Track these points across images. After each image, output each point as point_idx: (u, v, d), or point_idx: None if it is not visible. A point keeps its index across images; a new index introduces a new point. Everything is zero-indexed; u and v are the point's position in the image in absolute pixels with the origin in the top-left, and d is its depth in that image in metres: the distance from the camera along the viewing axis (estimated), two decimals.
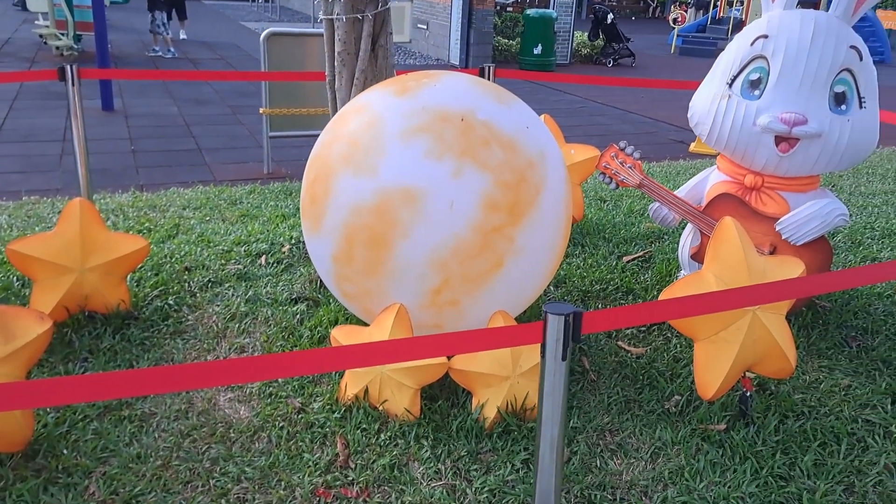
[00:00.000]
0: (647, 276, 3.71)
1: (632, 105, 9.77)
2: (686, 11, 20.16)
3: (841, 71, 3.05)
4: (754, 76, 3.14)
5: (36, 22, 11.75)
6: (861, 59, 3.07)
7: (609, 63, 13.67)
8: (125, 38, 14.05)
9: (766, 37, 3.14)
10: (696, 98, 3.38)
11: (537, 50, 12.25)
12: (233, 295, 3.30)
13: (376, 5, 3.21)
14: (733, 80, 3.20)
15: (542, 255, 2.67)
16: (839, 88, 3.06)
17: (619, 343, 3.06)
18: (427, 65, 12.88)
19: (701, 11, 19.95)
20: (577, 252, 3.97)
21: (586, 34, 14.18)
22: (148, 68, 11.02)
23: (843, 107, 3.06)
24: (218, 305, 3.22)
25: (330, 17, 3.22)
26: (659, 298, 2.64)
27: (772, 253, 3.18)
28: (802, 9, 3.18)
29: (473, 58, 12.17)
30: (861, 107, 3.08)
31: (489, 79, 4.45)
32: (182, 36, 14.40)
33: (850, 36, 3.09)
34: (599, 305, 3.39)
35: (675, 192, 3.51)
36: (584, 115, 9.17)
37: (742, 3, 17.48)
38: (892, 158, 6.96)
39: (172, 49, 12.27)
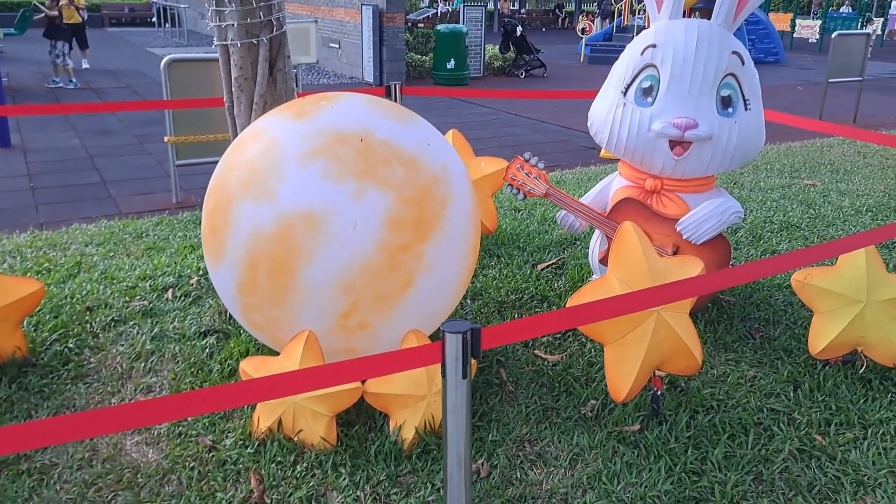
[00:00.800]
0: (560, 282, 3.78)
1: (543, 114, 9.97)
2: (593, 21, 20.77)
3: (726, 75, 3.18)
4: (646, 84, 3.24)
5: None
6: (743, 63, 3.22)
7: (521, 74, 13.91)
8: (23, 70, 13.49)
9: (654, 46, 3.25)
10: (594, 107, 3.47)
11: (450, 64, 12.38)
12: (138, 333, 3.19)
13: (272, 29, 3.17)
14: (627, 89, 3.30)
15: (452, 270, 2.68)
16: (725, 92, 3.19)
17: (536, 352, 3.09)
18: (341, 83, 12.83)
19: (607, 21, 20.57)
20: (492, 263, 4.00)
21: (497, 47, 14.41)
22: (49, 100, 10.60)
23: (730, 110, 3.20)
24: (122, 345, 3.09)
25: (224, 42, 3.16)
26: (566, 305, 2.68)
27: (675, 253, 3.28)
28: (686, 18, 3.31)
29: (387, 74, 12.19)
30: (746, 109, 3.22)
31: (395, 97, 4.46)
32: (85, 65, 13.92)
33: (731, 42, 3.23)
34: (516, 315, 3.42)
35: (580, 200, 3.60)
36: (497, 126, 9.30)
37: (644, 12, 18.09)
38: (789, 154, 7.31)
39: (74, 79, 11.85)
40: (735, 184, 6.02)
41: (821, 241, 4.54)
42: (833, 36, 9.67)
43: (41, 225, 4.97)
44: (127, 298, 3.52)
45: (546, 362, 3.03)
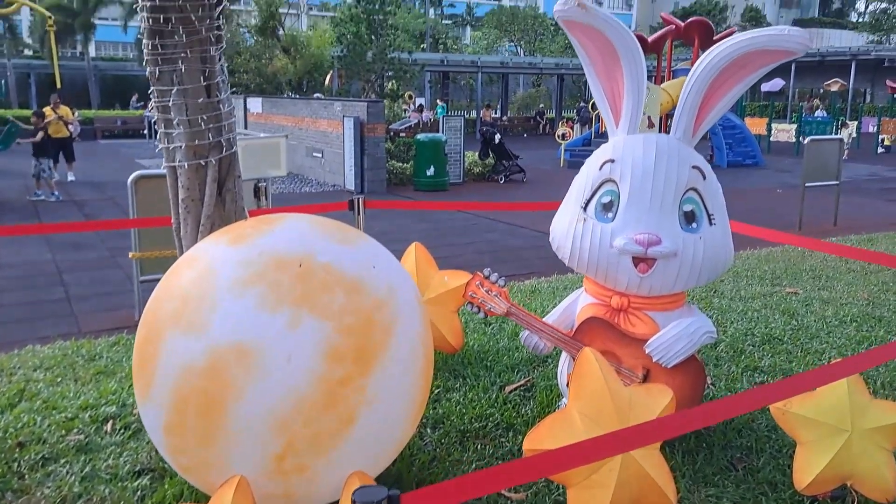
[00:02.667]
0: (529, 406, 3.56)
1: (520, 219, 9.96)
2: (572, 128, 21.31)
3: (687, 190, 3.10)
4: (606, 199, 3.15)
5: None
6: (705, 177, 3.14)
7: (501, 180, 14.08)
8: (7, 183, 13.55)
9: (612, 161, 3.18)
10: (556, 222, 3.37)
11: (430, 171, 12.52)
12: (67, 473, 2.93)
13: (221, 150, 3.09)
14: (587, 204, 3.20)
15: (399, 403, 2.48)
16: (688, 207, 3.09)
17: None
18: (323, 191, 12.92)
19: (586, 126, 21.10)
20: (457, 385, 3.79)
21: (477, 154, 14.65)
22: (28, 214, 10.56)
23: (694, 225, 3.09)
24: (49, 487, 2.83)
25: (172, 164, 3.07)
26: (524, 442, 2.47)
27: (645, 376, 3.09)
28: (644, 133, 3.26)
29: (368, 182, 12.30)
30: (711, 223, 3.12)
31: (358, 211, 4.38)
32: (70, 178, 14.03)
33: (691, 156, 3.17)
34: (479, 446, 3.19)
35: (546, 317, 3.44)
36: (475, 231, 9.26)
37: None
38: (769, 260, 7.24)
39: (56, 192, 11.88)
40: (715, 292, 5.89)
41: (804, 354, 4.36)
42: (806, 141, 9.84)
43: None
44: (63, 432, 3.28)
45: (510, 501, 2.78)
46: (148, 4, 2.86)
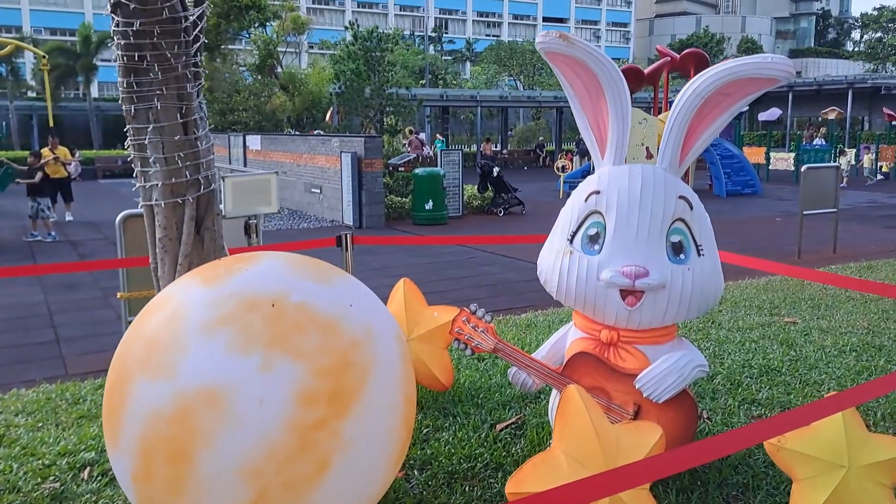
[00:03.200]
0: (520, 445, 3.45)
1: (518, 252, 9.90)
2: (571, 160, 21.35)
3: (674, 221, 3.04)
4: (592, 231, 3.09)
5: None
6: (692, 208, 3.08)
7: (500, 212, 14.06)
8: (3, 224, 13.56)
9: (598, 192, 3.13)
10: (542, 255, 3.31)
11: (428, 205, 12.50)
12: None
13: (199, 188, 3.05)
14: (573, 236, 3.14)
15: (378, 446, 2.39)
16: (675, 238, 3.03)
17: None
18: (322, 227, 12.90)
19: (585, 158, 21.15)
20: (447, 424, 3.69)
21: (476, 187, 14.65)
22: (24, 255, 10.54)
23: (682, 256, 3.02)
24: None
25: (149, 203, 3.03)
26: (507, 486, 2.38)
27: (636, 412, 2.99)
28: (631, 164, 3.21)
29: (367, 217, 12.27)
30: (699, 254, 3.05)
31: (346, 247, 4.32)
32: (68, 218, 14.05)
33: (678, 187, 3.11)
34: (466, 488, 3.08)
35: (535, 353, 3.36)
36: (472, 265, 9.20)
37: None
38: (768, 289, 7.15)
39: (53, 233, 11.88)
40: (713, 323, 5.80)
41: (802, 386, 4.26)
42: (803, 169, 9.81)
43: None
44: (39, 480, 3.18)
45: None
46: (122, 42, 2.84)
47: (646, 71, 19.32)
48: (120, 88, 2.94)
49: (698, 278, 3.02)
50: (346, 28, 17.21)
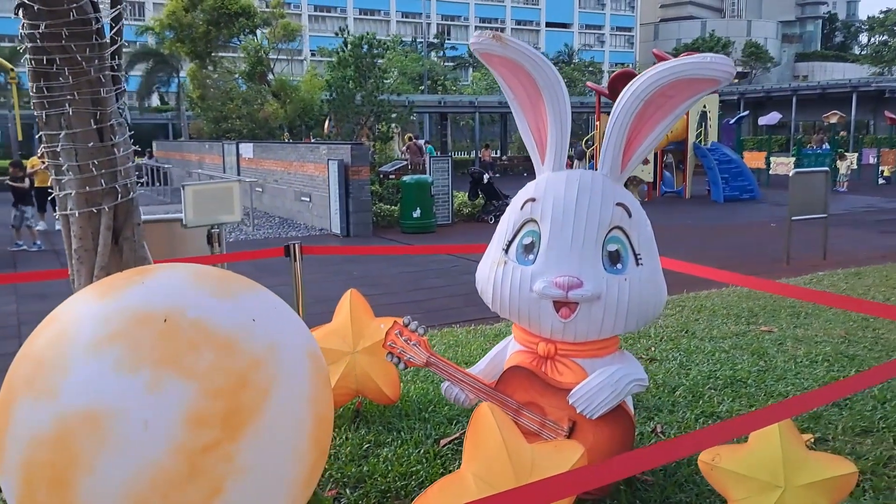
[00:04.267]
0: (459, 462, 3.31)
1: None
2: (571, 164, 21.21)
3: (611, 229, 2.91)
4: (527, 240, 2.97)
5: None
6: (630, 215, 2.96)
7: (491, 220, 13.92)
8: None
9: (534, 200, 3.01)
10: (480, 265, 3.19)
11: (416, 213, 12.39)
12: None
13: (116, 196, 2.93)
14: (508, 246, 3.02)
15: (280, 470, 2.26)
16: (612, 247, 2.90)
17: None
18: (310, 235, 12.80)
19: (581, 162, 21.03)
20: (389, 440, 3.56)
21: (467, 194, 14.53)
22: (5, 263, 10.47)
23: (619, 266, 2.90)
24: None
25: (64, 212, 2.92)
26: None
27: (571, 429, 2.86)
28: (570, 171, 3.09)
29: (353, 225, 12.17)
30: (638, 264, 2.92)
31: (294, 257, 4.21)
32: (58, 227, 13.97)
33: (616, 193, 2.99)
34: None
35: (474, 367, 3.24)
36: (454, 273, 9.08)
37: None
38: (751, 297, 6.99)
39: (38, 242, 11.81)
40: (686, 332, 5.66)
41: (767, 398, 4.11)
42: (790, 174, 9.66)
43: None
44: None
45: None
46: (30, 45, 2.74)
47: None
48: (31, 93, 2.84)
49: (636, 288, 2.89)
50: (336, 34, 17.16)
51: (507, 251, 3.02)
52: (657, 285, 2.99)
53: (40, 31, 2.71)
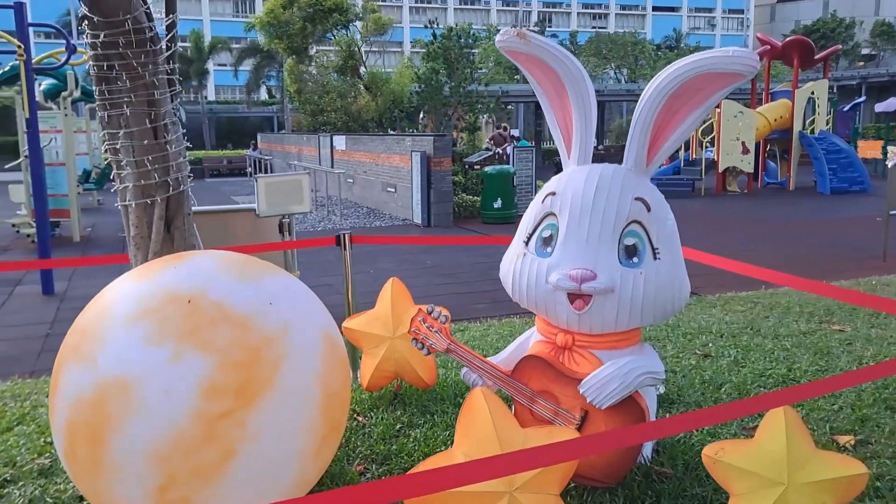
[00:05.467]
0: None
1: None
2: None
3: (630, 223, 2.94)
4: (546, 233, 3.05)
5: (17, 213, 12.29)
6: (649, 209, 2.97)
7: None
8: (108, 220, 14.60)
9: (554, 194, 3.08)
10: (504, 257, 3.28)
11: (497, 204, 12.48)
12: (19, 495, 3.09)
13: (167, 189, 3.22)
14: (529, 238, 3.11)
15: (289, 439, 2.46)
16: (630, 241, 2.93)
17: None
18: (393, 225, 13.14)
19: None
20: (421, 421, 3.73)
21: None
22: (117, 249, 11.32)
23: (635, 259, 2.93)
24: None
25: (124, 203, 3.23)
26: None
27: (583, 418, 2.93)
28: (592, 165, 3.13)
29: (435, 215, 12.40)
30: (655, 258, 2.94)
31: (344, 246, 4.44)
32: None
33: (638, 187, 3.01)
34: None
35: (497, 355, 3.34)
36: None
37: (712, 145, 17.92)
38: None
39: None
40: (750, 329, 5.52)
41: (815, 398, 4.00)
42: (890, 166, 9.11)
43: (32, 372, 5.10)
44: (36, 455, 3.47)
45: None
46: (92, 53, 3.05)
47: None
48: (95, 96, 3.16)
49: (652, 282, 2.91)
50: (426, 26, 17.44)
51: (527, 244, 3.11)
52: (676, 280, 2.99)
53: (101, 40, 3.02)
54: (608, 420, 2.89)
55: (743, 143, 17.84)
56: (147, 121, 3.14)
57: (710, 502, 2.92)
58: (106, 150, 3.28)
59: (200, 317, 2.41)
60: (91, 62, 3.08)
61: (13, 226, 11.73)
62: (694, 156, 18.51)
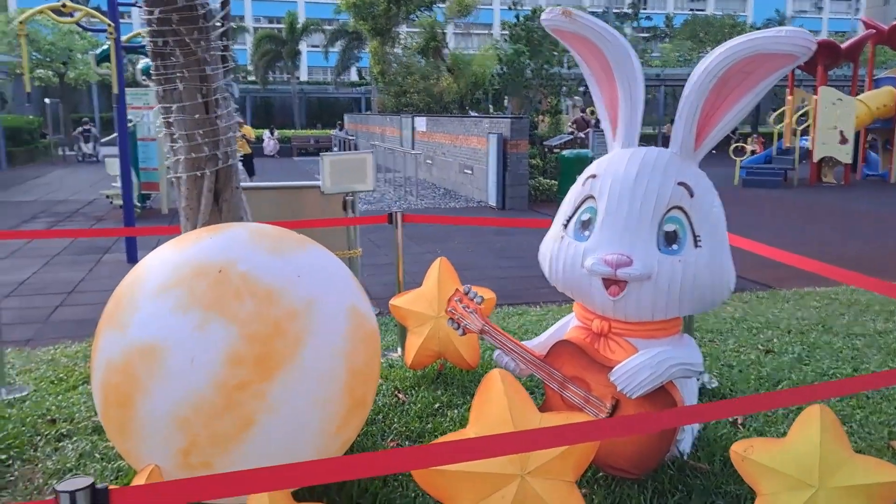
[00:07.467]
0: None
1: None
2: (763, 143, 19.67)
3: (670, 209, 2.84)
4: (585, 217, 2.98)
5: (112, 185, 12.96)
6: (692, 195, 2.86)
7: None
8: None
9: (594, 176, 3.00)
10: (544, 239, 3.23)
11: None
12: (72, 449, 3.28)
13: (216, 162, 3.32)
14: (568, 221, 3.04)
15: (309, 413, 2.51)
16: (669, 227, 2.83)
17: None
18: (468, 206, 13.14)
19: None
20: (461, 402, 3.72)
21: None
22: None
23: (675, 246, 2.82)
24: (52, 460, 3.19)
25: (177, 175, 3.36)
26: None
27: (614, 407, 2.86)
28: (636, 148, 3.04)
29: (509, 198, 12.32)
30: (697, 246, 2.82)
31: (396, 224, 4.47)
32: None
33: (681, 172, 2.90)
34: None
35: (535, 339, 3.31)
36: None
37: (807, 134, 17.02)
38: None
39: None
40: (821, 326, 5.25)
41: (880, 400, 3.77)
42: None
43: None
44: (92, 413, 3.67)
45: None
46: (147, 30, 3.17)
47: (843, 46, 17.38)
48: (152, 71, 3.28)
49: (691, 271, 2.80)
50: (510, 7, 17.23)
51: (566, 226, 3.05)
52: (718, 269, 2.87)
53: (156, 16, 3.13)
54: (639, 410, 2.81)
55: (841, 132, 16.85)
56: (199, 95, 3.25)
57: (744, 501, 2.81)
58: (160, 125, 3.40)
59: (227, 287, 2.48)
60: (147, 38, 3.19)
61: (107, 197, 12.38)
62: (787, 144, 17.63)
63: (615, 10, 47.75)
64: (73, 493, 1.44)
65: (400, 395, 3.84)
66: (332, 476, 1.83)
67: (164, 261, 2.63)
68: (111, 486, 1.49)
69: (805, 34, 2.64)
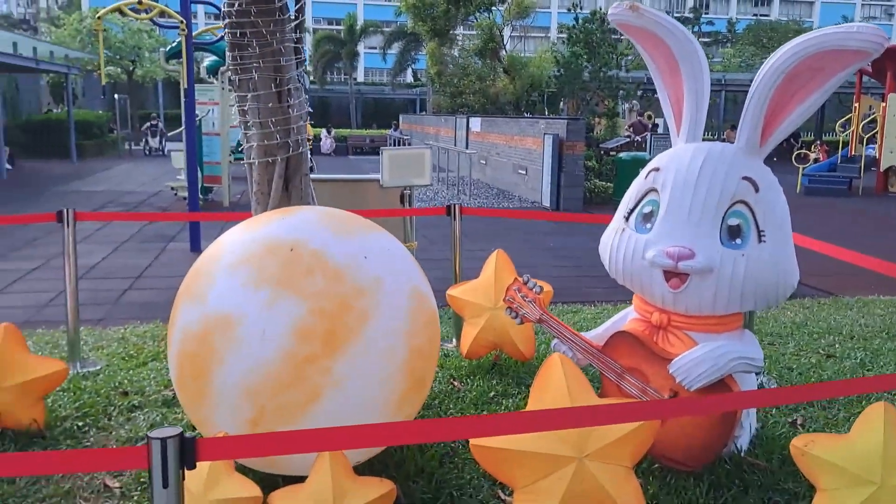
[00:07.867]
0: None
1: None
2: (827, 151, 19.13)
3: (734, 203, 2.84)
4: (647, 209, 3.00)
5: (177, 177, 13.39)
6: (757, 190, 2.85)
7: None
8: (238, 188, 15.55)
9: (657, 169, 3.02)
10: (605, 232, 3.26)
11: None
12: (143, 420, 3.44)
13: (287, 150, 3.45)
14: (630, 214, 3.07)
15: (371, 388, 2.59)
16: (733, 221, 2.84)
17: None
18: (521, 207, 13.15)
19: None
20: (515, 392, 3.78)
21: None
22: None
23: (739, 240, 2.82)
24: (125, 430, 3.36)
25: (250, 161, 3.49)
26: (472, 440, 2.46)
27: (671, 399, 2.87)
28: (705, 142, 3.05)
29: (564, 199, 12.28)
30: (760, 241, 2.82)
31: (455, 217, 4.55)
32: None
33: (746, 167, 2.90)
34: None
35: (593, 330, 3.34)
36: None
37: (875, 142, 16.51)
38: None
39: None
40: (889, 334, 5.13)
41: None
42: None
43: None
44: (162, 388, 3.84)
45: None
46: (227, 21, 3.31)
47: None
48: (229, 62, 3.42)
49: (753, 266, 2.80)
50: (569, 10, 17.18)
51: (627, 219, 3.07)
52: (782, 266, 2.85)
53: (235, 8, 3.27)
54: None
55: None
56: (272, 85, 3.37)
57: (802, 499, 2.79)
58: (235, 112, 3.54)
59: (298, 265, 2.58)
60: (226, 29, 3.34)
61: (172, 188, 12.79)
62: (853, 152, 17.14)
63: (676, 15, 47.04)
64: (164, 440, 1.54)
65: (455, 383, 3.91)
66: (397, 439, 1.91)
67: (236, 239, 2.76)
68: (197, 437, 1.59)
69: (877, 30, 2.62)
